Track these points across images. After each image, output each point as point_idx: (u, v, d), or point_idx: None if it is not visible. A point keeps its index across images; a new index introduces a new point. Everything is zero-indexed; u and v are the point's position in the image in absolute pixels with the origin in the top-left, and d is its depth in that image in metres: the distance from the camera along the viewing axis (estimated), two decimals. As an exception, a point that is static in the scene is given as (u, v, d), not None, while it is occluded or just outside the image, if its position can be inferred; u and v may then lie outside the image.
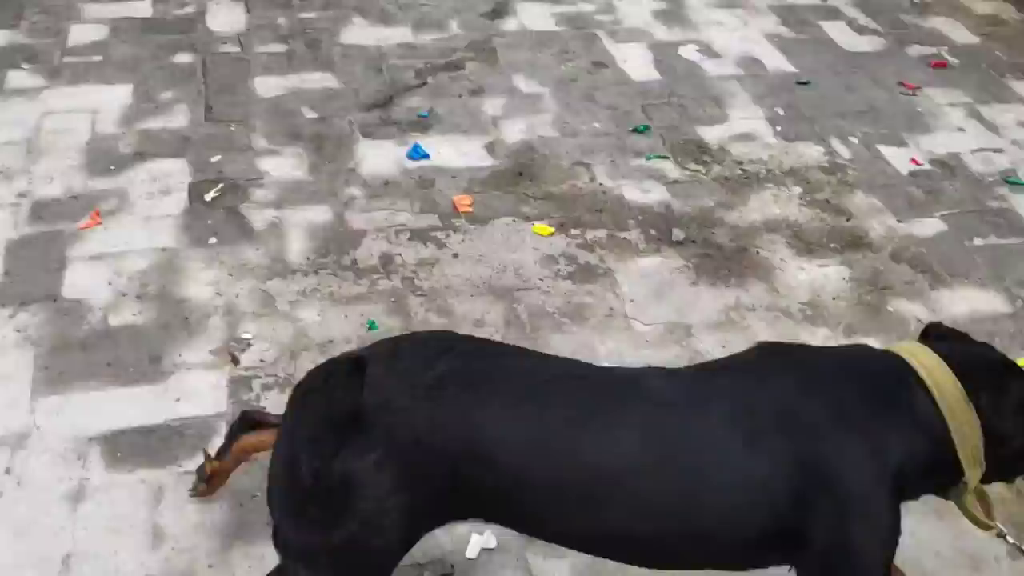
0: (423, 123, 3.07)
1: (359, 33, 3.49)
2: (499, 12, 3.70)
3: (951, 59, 3.73)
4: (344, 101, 3.13)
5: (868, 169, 3.07)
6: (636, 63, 3.48)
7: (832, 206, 2.90)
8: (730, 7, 3.92)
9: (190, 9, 3.56)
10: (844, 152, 3.13)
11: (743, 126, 3.21)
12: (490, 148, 2.99)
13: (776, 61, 3.59)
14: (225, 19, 3.50)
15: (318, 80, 3.23)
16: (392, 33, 3.50)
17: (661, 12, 3.83)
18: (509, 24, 3.64)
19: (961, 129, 3.31)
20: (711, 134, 3.16)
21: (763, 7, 3.94)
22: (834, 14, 3.94)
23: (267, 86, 3.18)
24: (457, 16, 3.65)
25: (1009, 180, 3.09)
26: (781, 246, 2.72)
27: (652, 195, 2.86)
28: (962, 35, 3.91)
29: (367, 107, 3.12)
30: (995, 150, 3.23)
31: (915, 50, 3.77)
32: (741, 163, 3.04)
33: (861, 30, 3.86)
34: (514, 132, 3.07)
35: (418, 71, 3.32)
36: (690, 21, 3.79)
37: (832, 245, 2.74)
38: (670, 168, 2.99)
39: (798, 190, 2.95)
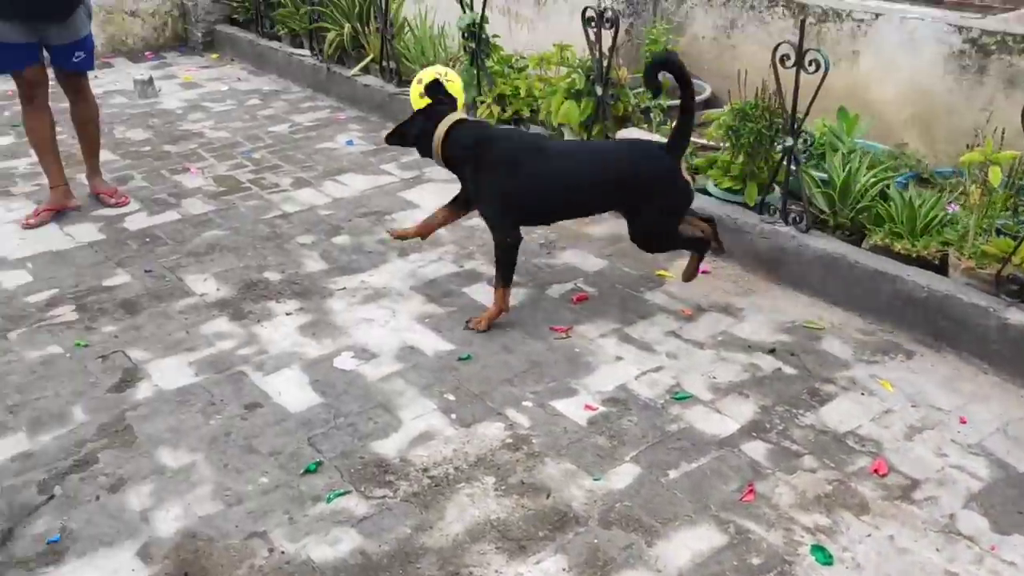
0: (56, 550, 2.58)
1: (-40, 460, 2.95)
2: (128, 380, 3.34)
3: (589, 289, 3.91)
4: (-52, 558, 2.57)
5: (550, 431, 3.01)
6: (292, 392, 3.25)
7: (528, 486, 2.76)
8: (375, 300, 3.87)
9: None
10: (523, 420, 3.06)
11: (419, 426, 3.05)
12: (144, 555, 2.55)
13: (432, 342, 3.54)
14: None
15: (-90, 540, 2.63)
16: (3, 446, 3.00)
17: (307, 325, 3.69)
18: (142, 391, 3.29)
19: (619, 358, 3.40)
20: (388, 447, 2.96)
21: (406, 290, 3.94)
22: (474, 277, 4.02)
23: None
24: (80, 400, 3.24)
25: (676, 396, 3.17)
26: (492, 555, 2.51)
27: (343, 545, 2.56)
28: (591, 263, 4.14)
29: (-20, 555, 2.57)
30: (655, 369, 3.33)
31: (555, 290, 3.91)
32: (427, 470, 2.85)
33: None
34: (169, 523, 2.66)
35: (41, 484, 2.84)
36: (338, 327, 3.67)
37: (541, 533, 2.58)
38: (355, 503, 2.72)
39: (491, 480, 2.80)
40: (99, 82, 7.20)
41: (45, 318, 3.77)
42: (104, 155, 5.58)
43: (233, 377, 3.35)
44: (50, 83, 4.68)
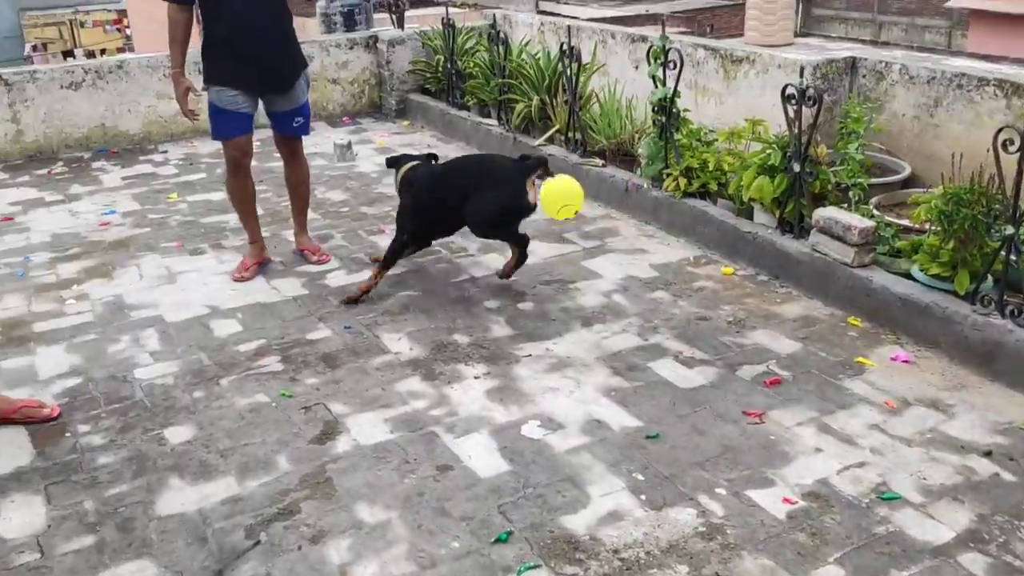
0: (261, 596, 2.69)
1: (177, 498, 3.16)
2: (328, 433, 3.49)
3: (782, 372, 3.78)
4: (166, 592, 2.73)
5: (746, 523, 2.89)
6: (482, 457, 3.30)
7: (724, 580, 2.66)
8: (560, 369, 3.89)
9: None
10: (716, 508, 2.97)
11: (607, 504, 3.02)
12: (343, 609, 2.63)
13: (619, 417, 3.51)
14: (20, 519, 3.09)
15: (134, 572, 2.82)
16: (214, 489, 3.19)
17: (495, 390, 3.74)
18: (341, 444, 3.42)
19: (819, 449, 3.26)
20: (577, 523, 2.93)
21: (591, 361, 3.94)
22: (660, 352, 3.98)
23: (73, 595, 2.75)
24: (284, 449, 3.41)
25: (883, 496, 2.99)
26: (687, 649, 2.42)
27: (533, 621, 2.54)
28: (783, 344, 4.01)
29: (194, 593, 2.72)
30: (858, 464, 3.16)
31: (746, 371, 3.80)
32: (617, 551, 2.80)
33: (689, 362, 3.90)
34: (366, 580, 2.74)
35: (248, 528, 2.99)
36: (525, 394, 3.71)
37: (739, 631, 2.47)
38: (545, 578, 2.71)
39: (684, 569, 2.71)
40: (301, 144, 7.71)
41: (253, 367, 4.00)
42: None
43: (426, 437, 3.43)
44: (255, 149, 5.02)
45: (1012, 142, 3.51)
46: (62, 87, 7.56)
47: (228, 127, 4.79)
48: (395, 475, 3.22)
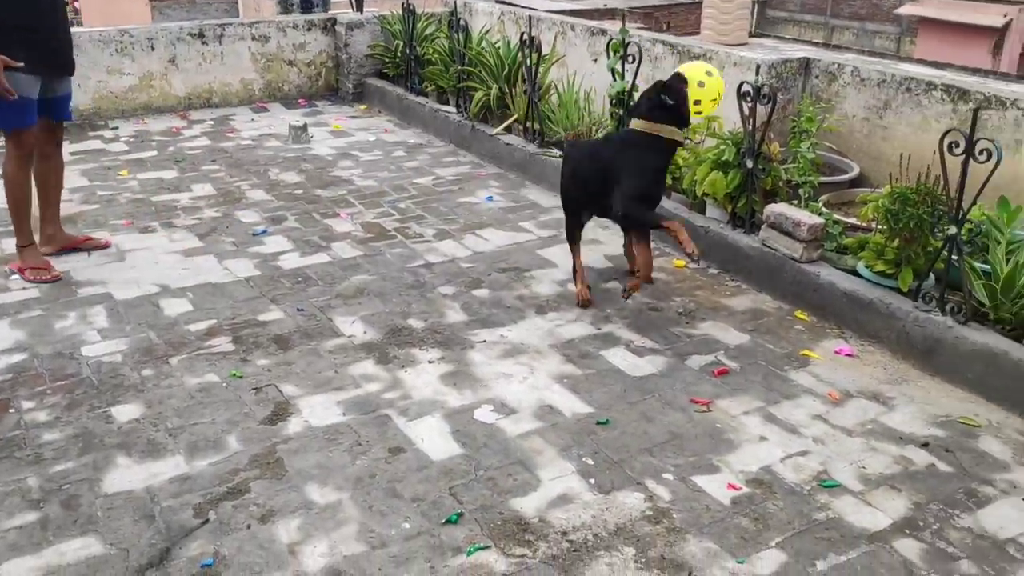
0: (209, 574, 2.68)
1: (124, 476, 3.12)
2: (279, 414, 3.47)
3: (730, 363, 3.86)
4: (111, 570, 2.70)
5: (692, 507, 2.96)
6: (434, 440, 3.32)
7: (669, 562, 2.72)
8: (514, 355, 3.92)
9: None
10: (663, 493, 3.03)
11: (557, 487, 3.06)
12: (291, 588, 2.63)
13: (571, 403, 3.56)
14: (-40, 495, 3.03)
15: (79, 549, 2.78)
16: (163, 467, 3.16)
17: (449, 375, 3.76)
18: (293, 425, 3.41)
19: (763, 438, 3.34)
20: (527, 505, 2.97)
21: (544, 348, 3.98)
22: (612, 340, 4.03)
23: (16, 572, 2.70)
24: (234, 429, 3.38)
25: (824, 484, 3.08)
26: (632, 628, 2.47)
27: (482, 601, 2.57)
28: (732, 336, 4.10)
29: (140, 570, 2.69)
30: (801, 453, 3.25)
31: (695, 361, 3.88)
32: (566, 533, 2.84)
33: (640, 351, 3.96)
34: (315, 559, 2.74)
35: (197, 507, 2.97)
36: (478, 379, 3.73)
37: (683, 611, 2.53)
38: (495, 559, 2.74)
39: (631, 551, 2.77)
40: (255, 125, 7.64)
41: (204, 347, 3.96)
42: (259, 195, 5.91)
43: (378, 419, 3.44)
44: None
45: (957, 145, 3.62)
46: (9, 58, 7.36)
47: (22, 115, 4.32)
48: (347, 456, 3.22)
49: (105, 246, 4.97)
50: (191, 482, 3.09)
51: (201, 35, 7.99)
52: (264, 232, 5.24)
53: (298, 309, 4.31)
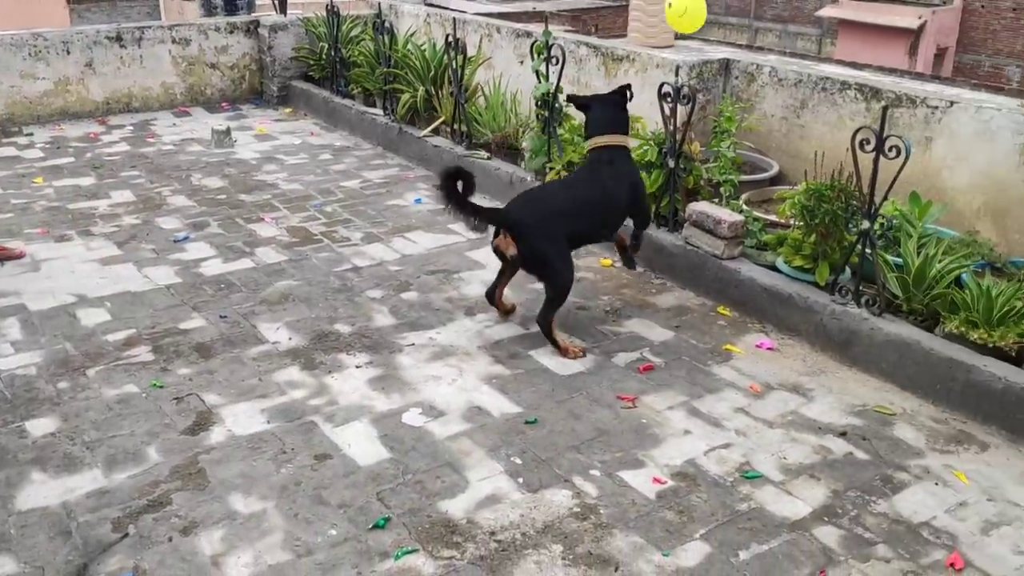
0: (129, 590, 2.61)
1: (39, 492, 3.02)
2: (201, 424, 3.40)
3: (655, 359, 3.91)
4: (25, 589, 2.61)
5: (618, 502, 2.99)
6: (361, 445, 3.29)
7: (596, 557, 2.75)
8: (443, 357, 3.91)
9: None
10: (590, 489, 3.05)
11: (486, 488, 3.06)
12: (214, 600, 2.57)
13: (499, 403, 3.56)
14: None
15: (-10, 570, 2.69)
16: (80, 482, 3.07)
17: (377, 379, 3.73)
18: (215, 435, 3.34)
19: (687, 432, 3.39)
20: (455, 507, 2.97)
21: (473, 349, 3.98)
22: (540, 340, 4.05)
23: (-79, 596, 2.60)
24: (155, 440, 3.30)
25: (746, 475, 3.14)
26: (559, 625, 2.48)
27: (410, 604, 2.56)
28: (657, 332, 4.15)
29: (56, 589, 2.62)
30: (724, 445, 3.31)
31: (621, 358, 3.92)
32: (494, 533, 2.85)
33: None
34: (239, 570, 2.69)
35: (116, 521, 2.89)
36: (407, 382, 3.71)
37: (609, 606, 2.55)
38: (423, 562, 2.73)
39: (559, 548, 2.78)
40: (177, 130, 7.49)
41: (123, 357, 3.86)
42: (181, 200, 5.79)
43: (304, 426, 3.40)
44: None
45: (868, 142, 3.73)
46: (-87, 62, 7.08)
47: None
48: (271, 465, 3.18)
49: (19, 256, 4.82)
50: (109, 496, 3.00)
51: (119, 38, 7.79)
52: (185, 239, 5.14)
53: (221, 316, 4.23)
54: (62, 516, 2.91)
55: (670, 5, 4.07)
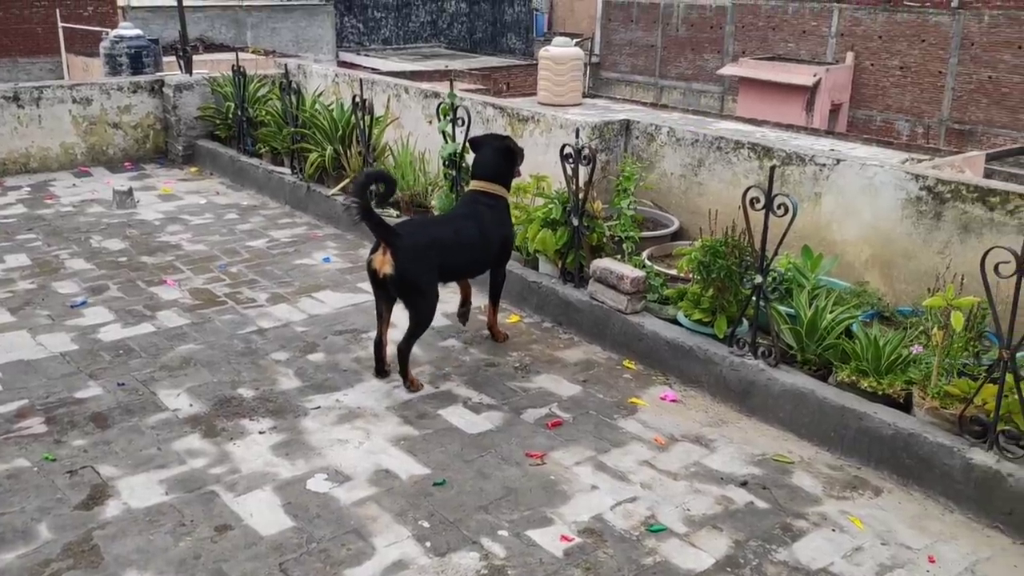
0: None
1: (-85, 579, 2.85)
2: (96, 498, 3.28)
3: (563, 414, 3.95)
4: None
5: (526, 562, 2.99)
6: (264, 514, 3.21)
7: (504, 620, 2.73)
8: (350, 420, 3.87)
9: None
10: (498, 550, 3.05)
11: (392, 554, 3.02)
12: None
13: (408, 465, 3.54)
14: None
15: None
16: (-39, 566, 2.91)
17: (281, 445, 3.66)
18: (110, 509, 3.22)
19: (595, 487, 3.42)
20: (361, 575, 2.92)
21: (381, 410, 3.95)
22: (450, 399, 4.05)
23: None
24: (46, 516, 3.16)
25: (651, 528, 3.18)
26: None
27: None
28: (565, 387, 4.20)
29: None
30: (630, 500, 3.35)
31: (530, 414, 3.95)
32: (400, 600, 2.81)
33: (478, 408, 3.99)
34: (133, 652, 2.58)
35: (0, 607, 2.75)
36: (312, 447, 3.65)
37: (517, 669, 2.53)
38: (326, 633, 2.67)
39: (466, 613, 2.76)
40: (77, 190, 7.30)
41: (13, 430, 3.71)
42: (79, 264, 5.63)
43: (204, 497, 3.30)
44: None
45: (758, 200, 3.90)
46: None
47: None
48: (169, 539, 3.07)
49: None
50: (-6, 579, 2.86)
51: (16, 98, 7.60)
52: (83, 303, 4.99)
53: (119, 384, 4.10)
54: (-60, 604, 2.75)
55: None
